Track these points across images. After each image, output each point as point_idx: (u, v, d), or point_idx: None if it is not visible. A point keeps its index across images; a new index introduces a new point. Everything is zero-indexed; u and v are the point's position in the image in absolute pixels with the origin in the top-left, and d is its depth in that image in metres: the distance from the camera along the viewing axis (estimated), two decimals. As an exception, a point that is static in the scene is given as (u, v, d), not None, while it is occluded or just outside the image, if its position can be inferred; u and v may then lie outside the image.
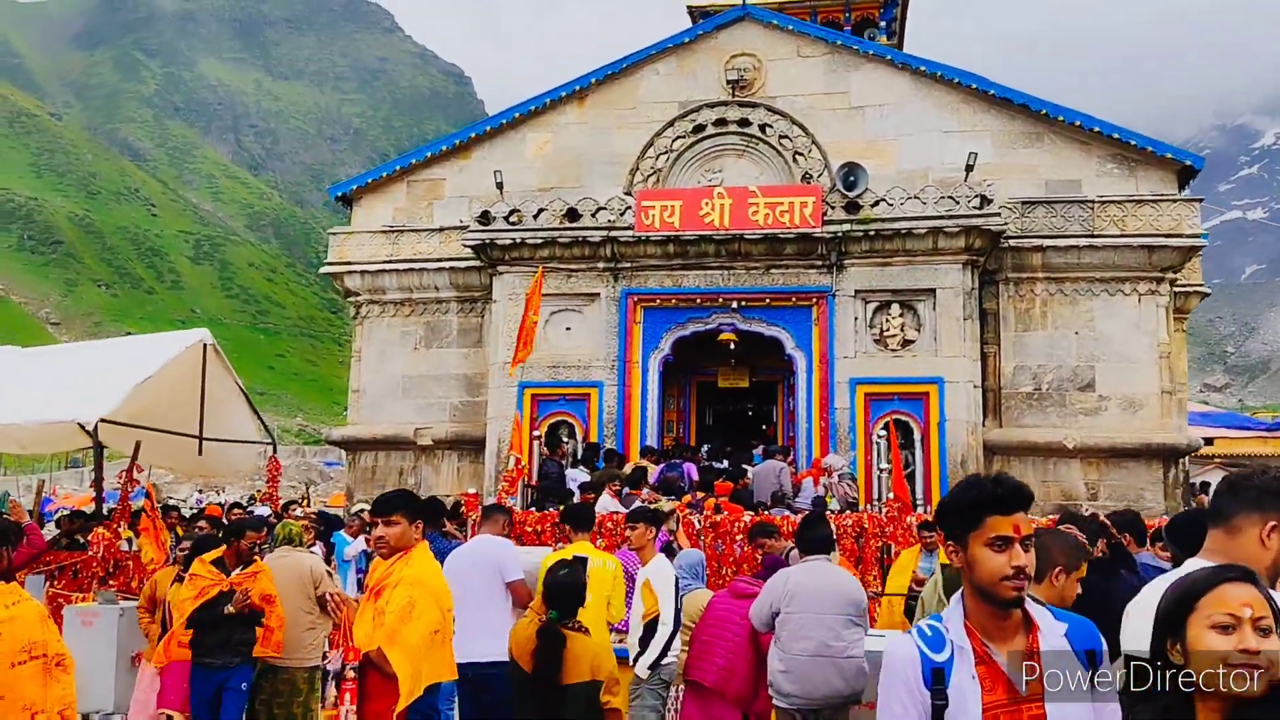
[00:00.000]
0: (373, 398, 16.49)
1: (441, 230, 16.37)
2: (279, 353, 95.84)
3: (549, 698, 4.30)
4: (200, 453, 11.79)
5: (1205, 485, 18.43)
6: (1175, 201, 14.90)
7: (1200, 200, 15.20)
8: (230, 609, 6.39)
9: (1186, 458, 16.02)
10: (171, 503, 17.27)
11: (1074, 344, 15.05)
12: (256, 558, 6.76)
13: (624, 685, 5.17)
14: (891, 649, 2.43)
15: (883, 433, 12.89)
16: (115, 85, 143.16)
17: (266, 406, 55.01)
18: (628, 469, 13.14)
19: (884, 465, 12.16)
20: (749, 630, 5.82)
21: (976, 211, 14.07)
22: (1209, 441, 21.87)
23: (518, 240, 14.94)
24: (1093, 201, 14.95)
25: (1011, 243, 14.88)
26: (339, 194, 17.49)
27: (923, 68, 15.93)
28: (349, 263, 16.55)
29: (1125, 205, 14.87)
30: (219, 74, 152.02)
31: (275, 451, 13.26)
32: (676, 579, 6.38)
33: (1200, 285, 17.46)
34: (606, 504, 11.68)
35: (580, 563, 5.18)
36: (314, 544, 9.40)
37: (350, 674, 7.42)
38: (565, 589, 4.57)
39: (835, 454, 13.41)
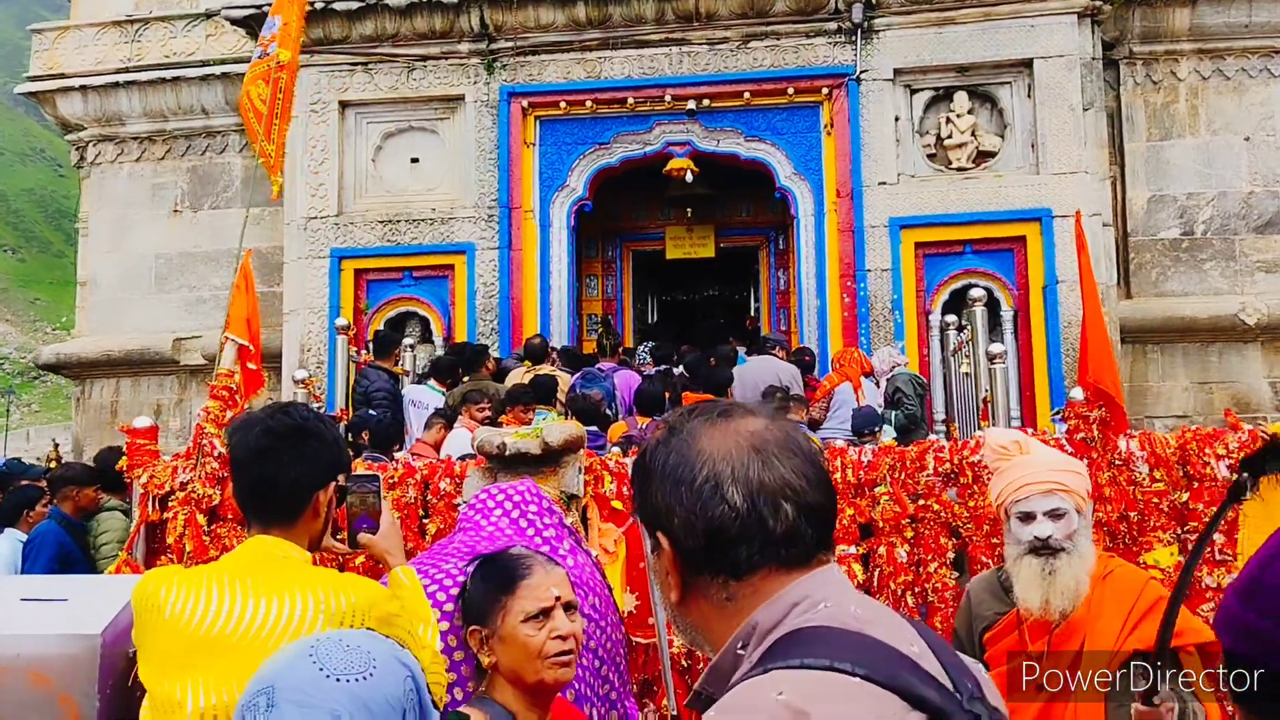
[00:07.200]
0: (110, 293, 10.10)
1: (208, 16, 9.95)
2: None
3: None
4: None
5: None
6: None
7: None
8: None
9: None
10: None
11: (1244, 156, 9.24)
12: None
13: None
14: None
15: (980, 293, 6.92)
16: (16, 41, 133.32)
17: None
18: (516, 378, 7.25)
19: (994, 349, 6.16)
20: None
21: (1101, -80, 8.16)
22: None
23: (320, 6, 8.71)
24: (1271, -81, 9.09)
25: (1142, -8, 9.01)
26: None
27: None
28: (63, 75, 10.08)
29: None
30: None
31: None
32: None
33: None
34: (460, 442, 6.01)
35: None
36: None
37: None
38: None
39: (888, 347, 7.58)
